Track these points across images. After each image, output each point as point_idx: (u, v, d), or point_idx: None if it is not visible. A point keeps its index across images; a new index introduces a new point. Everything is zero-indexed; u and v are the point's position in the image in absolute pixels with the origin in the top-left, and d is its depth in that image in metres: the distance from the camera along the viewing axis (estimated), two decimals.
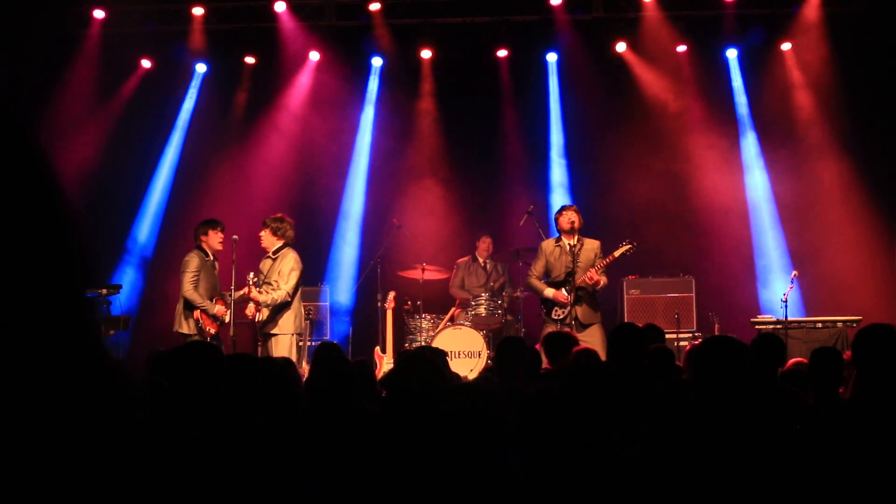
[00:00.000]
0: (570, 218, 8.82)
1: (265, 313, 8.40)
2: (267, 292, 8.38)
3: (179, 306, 8.48)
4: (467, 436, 2.77)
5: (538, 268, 9.00)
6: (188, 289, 8.36)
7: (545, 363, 6.53)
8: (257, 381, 3.87)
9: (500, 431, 2.82)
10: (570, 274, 8.70)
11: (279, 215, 8.71)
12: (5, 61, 10.25)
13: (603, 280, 8.78)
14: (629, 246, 8.82)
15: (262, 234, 8.61)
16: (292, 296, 8.47)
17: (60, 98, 11.03)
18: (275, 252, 8.58)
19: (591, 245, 8.90)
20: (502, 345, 5.55)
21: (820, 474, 3.08)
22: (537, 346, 6.75)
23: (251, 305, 8.42)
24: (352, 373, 4.34)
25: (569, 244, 8.84)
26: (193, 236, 8.68)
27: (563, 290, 8.75)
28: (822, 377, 4.62)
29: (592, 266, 8.73)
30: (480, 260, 10.60)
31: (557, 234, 9.00)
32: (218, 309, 8.40)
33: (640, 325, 6.99)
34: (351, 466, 3.09)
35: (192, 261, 8.45)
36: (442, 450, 2.80)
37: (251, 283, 8.38)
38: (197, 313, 8.38)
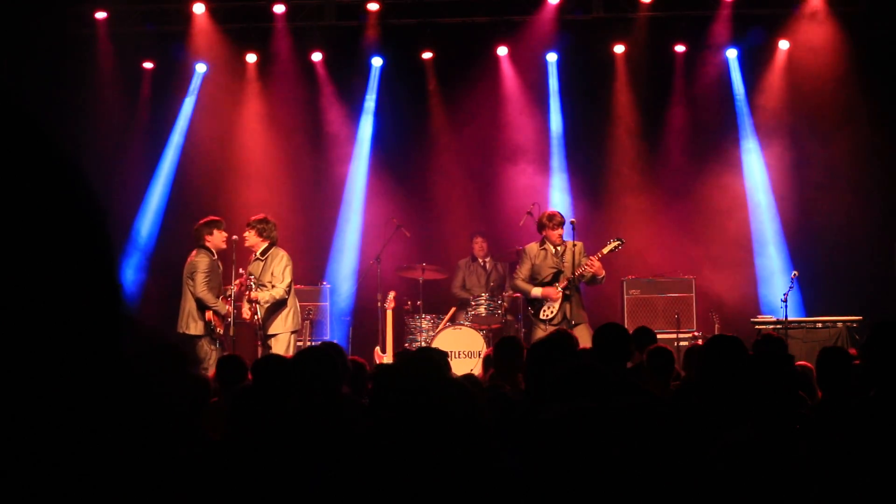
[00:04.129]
0: (560, 233, 9.07)
1: (262, 310, 8.37)
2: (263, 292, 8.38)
3: (186, 307, 8.42)
4: (448, 432, 2.76)
5: (524, 271, 9.22)
6: (203, 290, 8.31)
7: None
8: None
9: (479, 428, 2.80)
10: (558, 274, 8.84)
11: (262, 216, 8.69)
12: (15, 69, 10.21)
13: (603, 271, 8.90)
14: (617, 243, 9.02)
15: (247, 234, 8.59)
16: (288, 293, 8.48)
17: (98, 119, 11.04)
18: (262, 253, 8.56)
19: (575, 247, 9.07)
20: (500, 345, 5.43)
21: (827, 475, 3.07)
22: None
23: (247, 307, 8.39)
24: (344, 372, 4.34)
25: (554, 247, 9.01)
26: (195, 236, 8.64)
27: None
28: (829, 377, 4.60)
29: (578, 266, 8.82)
30: (480, 260, 10.60)
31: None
32: (227, 309, 8.39)
33: (639, 326, 7.00)
34: (348, 466, 3.08)
35: (203, 261, 8.41)
36: (426, 447, 2.79)
37: (250, 283, 8.36)
38: (209, 314, 8.35)
